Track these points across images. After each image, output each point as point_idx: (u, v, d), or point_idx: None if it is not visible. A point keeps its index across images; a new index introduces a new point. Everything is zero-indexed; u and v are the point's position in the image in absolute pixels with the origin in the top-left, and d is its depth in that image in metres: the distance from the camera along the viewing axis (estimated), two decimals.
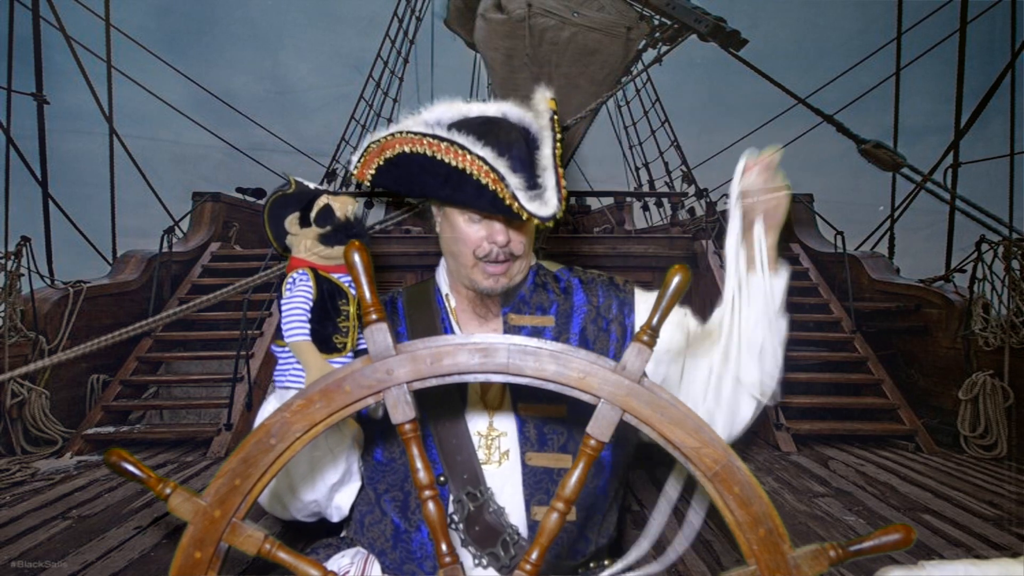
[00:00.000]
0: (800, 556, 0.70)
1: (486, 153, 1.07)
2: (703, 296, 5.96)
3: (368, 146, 1.18)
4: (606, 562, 1.34)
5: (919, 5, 6.76)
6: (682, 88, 8.30)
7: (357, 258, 0.76)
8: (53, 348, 4.60)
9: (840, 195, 6.75)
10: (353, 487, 1.28)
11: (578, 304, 1.34)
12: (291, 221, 1.11)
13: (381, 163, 1.16)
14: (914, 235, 6.41)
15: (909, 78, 6.92)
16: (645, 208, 8.20)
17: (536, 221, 1.08)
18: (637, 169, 8.96)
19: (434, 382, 0.75)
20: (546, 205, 1.09)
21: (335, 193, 1.15)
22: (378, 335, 0.74)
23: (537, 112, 1.23)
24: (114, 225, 6.55)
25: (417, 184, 1.18)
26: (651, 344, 0.73)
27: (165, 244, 5.71)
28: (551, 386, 0.74)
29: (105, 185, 6.66)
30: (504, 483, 1.22)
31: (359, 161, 1.18)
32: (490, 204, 1.10)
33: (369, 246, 1.13)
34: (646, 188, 8.63)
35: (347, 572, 1.20)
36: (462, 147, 1.08)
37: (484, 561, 1.17)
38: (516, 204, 1.07)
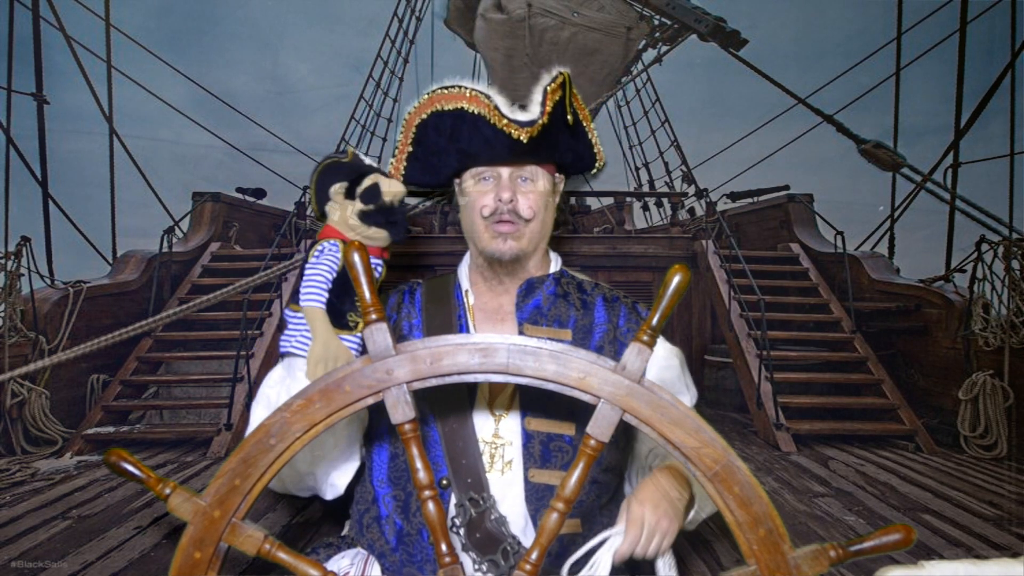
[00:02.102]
0: (800, 556, 0.70)
1: (491, 93, 1.15)
2: (703, 296, 5.96)
3: (395, 146, 1.23)
4: None
5: (919, 5, 6.76)
6: (682, 88, 8.29)
7: (357, 258, 0.76)
8: (53, 348, 4.60)
9: (840, 195, 6.74)
10: (351, 466, 1.27)
11: (598, 321, 1.32)
12: (336, 189, 1.09)
13: (409, 149, 1.22)
14: (914, 235, 6.41)
15: (909, 78, 6.91)
16: (645, 208, 8.20)
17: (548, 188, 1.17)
18: (637, 169, 8.95)
19: (434, 382, 0.75)
20: (529, 113, 1.15)
21: (386, 175, 1.14)
22: (378, 335, 0.74)
23: None
24: (114, 225, 6.55)
25: (433, 156, 1.22)
26: (651, 344, 0.73)
27: (165, 244, 5.71)
28: (551, 386, 0.74)
29: (105, 185, 6.65)
30: (507, 492, 1.21)
31: (391, 164, 1.24)
32: (484, 141, 1.15)
33: (404, 237, 1.15)
34: (646, 188, 8.63)
35: (347, 573, 1.19)
36: (458, 87, 1.15)
37: (484, 567, 1.17)
38: (501, 119, 1.12)
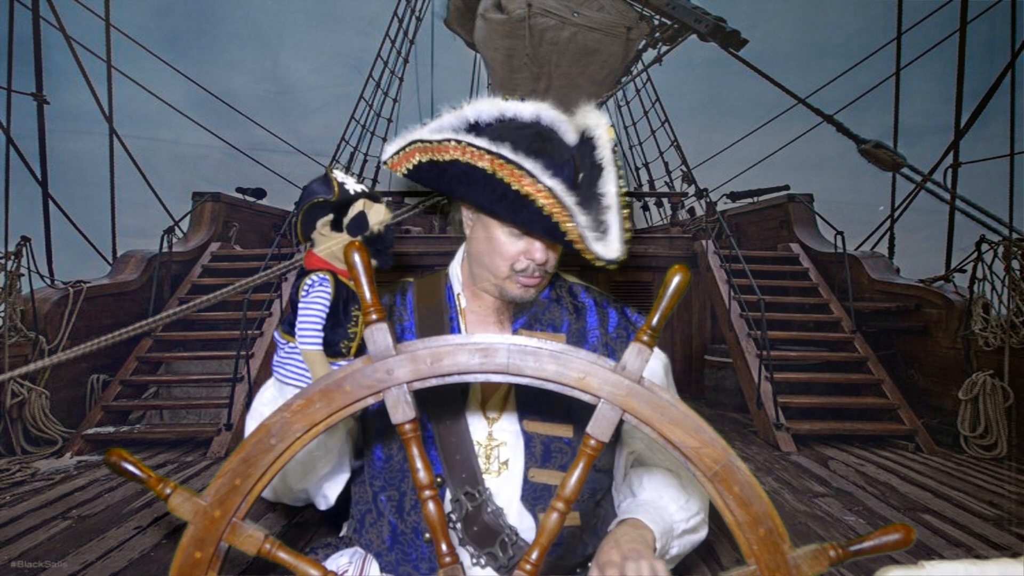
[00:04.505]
0: (800, 556, 0.70)
1: (554, 184, 1.04)
2: (703, 296, 5.96)
3: (412, 143, 1.14)
4: None
5: (919, 5, 6.76)
6: (682, 88, 8.28)
7: (357, 258, 0.76)
8: (53, 348, 4.60)
9: (840, 195, 6.74)
10: (342, 478, 1.28)
11: (591, 326, 1.32)
12: (324, 222, 1.08)
13: (424, 161, 1.13)
14: (914, 235, 6.40)
15: (909, 78, 6.91)
16: (645, 208, 8.20)
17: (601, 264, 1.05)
18: (637, 169, 8.95)
19: (434, 382, 0.75)
20: (609, 248, 1.06)
21: (371, 196, 1.10)
22: (378, 335, 0.74)
23: (596, 139, 1.18)
24: (114, 225, 6.55)
25: (462, 190, 1.13)
26: (651, 344, 0.73)
27: (165, 244, 5.71)
28: (551, 386, 0.74)
29: (105, 185, 6.65)
30: (501, 492, 1.21)
31: (396, 154, 1.16)
32: (547, 232, 1.08)
33: (391, 265, 1.11)
34: (646, 188, 8.63)
35: (345, 572, 1.20)
36: (531, 174, 1.04)
37: (482, 561, 1.17)
38: (583, 245, 1.04)
